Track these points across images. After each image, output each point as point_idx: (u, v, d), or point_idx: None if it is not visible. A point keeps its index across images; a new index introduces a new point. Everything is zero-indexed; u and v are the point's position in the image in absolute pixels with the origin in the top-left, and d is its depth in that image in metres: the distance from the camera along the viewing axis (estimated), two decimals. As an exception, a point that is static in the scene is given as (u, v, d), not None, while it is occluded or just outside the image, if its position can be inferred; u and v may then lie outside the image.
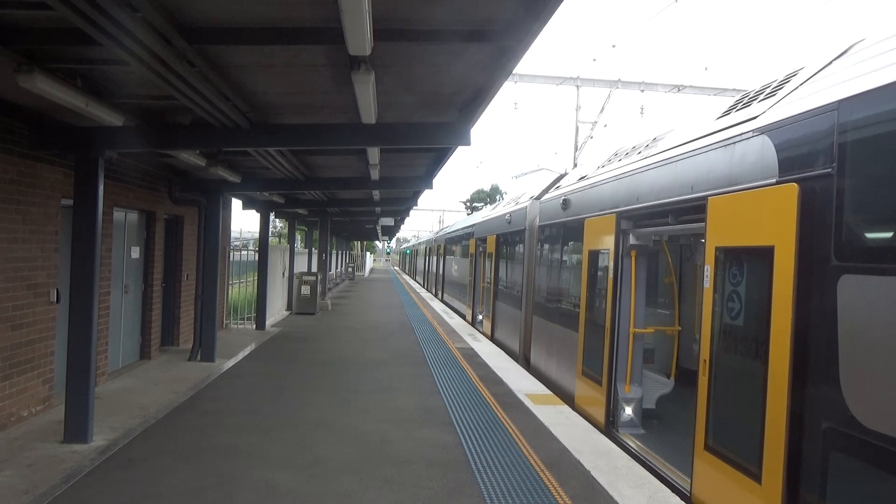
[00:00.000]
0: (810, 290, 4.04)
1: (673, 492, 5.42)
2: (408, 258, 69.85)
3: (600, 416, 7.61)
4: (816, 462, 3.91)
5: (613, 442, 6.87)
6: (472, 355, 12.16)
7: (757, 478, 4.40)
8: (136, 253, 10.39)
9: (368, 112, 6.27)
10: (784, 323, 4.20)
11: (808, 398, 4.01)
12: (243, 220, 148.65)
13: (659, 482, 5.60)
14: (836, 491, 3.79)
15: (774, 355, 4.29)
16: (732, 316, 4.98)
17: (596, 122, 22.61)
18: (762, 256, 4.49)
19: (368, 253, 72.41)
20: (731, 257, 5.02)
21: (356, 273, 49.24)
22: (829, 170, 3.96)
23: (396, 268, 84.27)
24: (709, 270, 5.25)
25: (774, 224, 4.36)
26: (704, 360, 5.27)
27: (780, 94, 4.97)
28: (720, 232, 5.13)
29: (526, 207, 12.88)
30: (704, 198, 5.39)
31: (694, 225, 5.85)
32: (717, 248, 5.15)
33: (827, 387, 3.83)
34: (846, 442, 3.68)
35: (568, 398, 8.86)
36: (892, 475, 3.37)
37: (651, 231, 7.07)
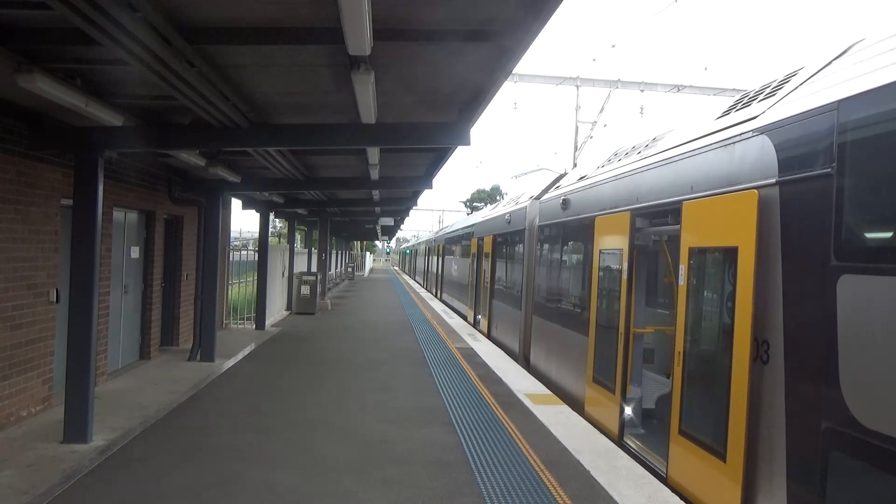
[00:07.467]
0: (810, 290, 4.05)
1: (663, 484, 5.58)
2: (407, 258, 69.79)
3: (614, 425, 7.26)
4: (815, 462, 3.92)
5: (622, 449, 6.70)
6: (471, 355, 12.16)
7: (722, 457, 4.80)
8: (135, 253, 10.39)
9: (368, 112, 6.27)
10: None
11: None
12: (243, 220, 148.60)
13: (659, 482, 5.61)
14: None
15: (737, 347, 4.69)
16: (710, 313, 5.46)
17: (596, 122, 22.62)
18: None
19: (368, 253, 72.35)
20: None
21: (356, 273, 49.20)
22: (829, 170, 3.96)
23: (396, 268, 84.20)
24: (684, 268, 5.62)
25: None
26: (679, 353, 5.58)
27: (780, 94, 4.97)
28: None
29: (526, 207, 12.87)
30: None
31: None
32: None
33: (823, 384, 3.85)
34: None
35: (572, 402, 8.69)
36: (891, 474, 3.37)
37: (651, 231, 7.06)
